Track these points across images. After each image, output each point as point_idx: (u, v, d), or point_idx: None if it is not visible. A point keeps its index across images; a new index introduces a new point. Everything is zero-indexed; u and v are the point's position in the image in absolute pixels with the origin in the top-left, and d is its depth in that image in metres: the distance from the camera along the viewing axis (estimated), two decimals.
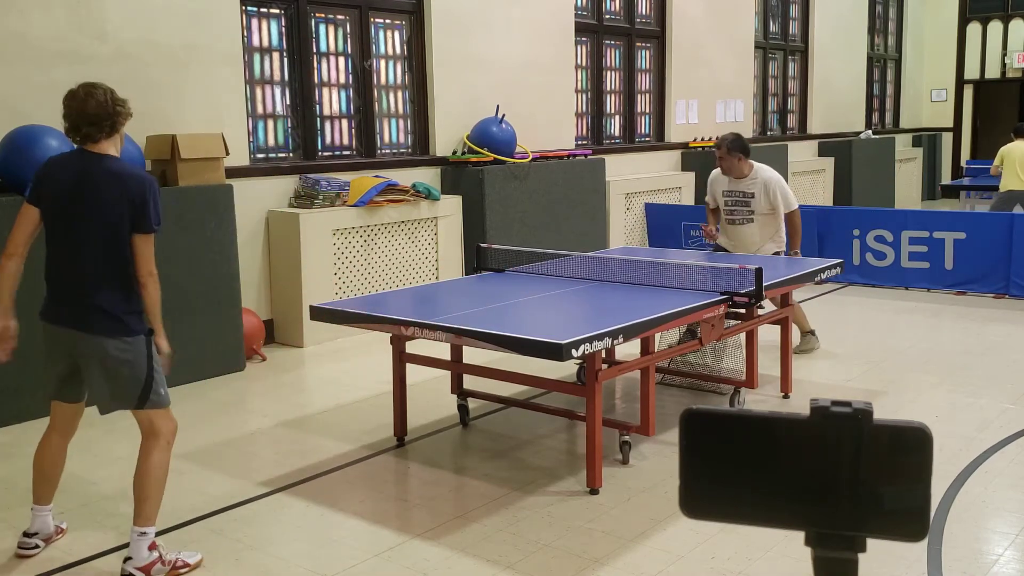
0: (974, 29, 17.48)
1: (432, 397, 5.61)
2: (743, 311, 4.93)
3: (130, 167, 3.54)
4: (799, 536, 1.15)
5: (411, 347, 4.93)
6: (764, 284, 4.73)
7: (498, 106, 8.64)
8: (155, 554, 3.44)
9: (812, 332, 6.74)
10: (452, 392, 5.22)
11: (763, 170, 6.31)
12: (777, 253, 6.33)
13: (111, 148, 3.48)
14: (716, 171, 6.45)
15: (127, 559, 3.46)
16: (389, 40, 8.29)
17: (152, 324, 3.47)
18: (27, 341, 5.45)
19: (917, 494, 1.10)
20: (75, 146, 3.51)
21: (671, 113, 11.50)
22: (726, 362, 5.70)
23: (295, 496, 4.27)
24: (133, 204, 3.38)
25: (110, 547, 3.79)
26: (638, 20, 11.03)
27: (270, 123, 7.51)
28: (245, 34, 7.17)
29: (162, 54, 6.49)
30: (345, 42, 7.95)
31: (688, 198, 11.14)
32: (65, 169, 3.49)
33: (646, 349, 4.52)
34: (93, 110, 3.41)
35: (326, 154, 7.87)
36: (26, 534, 3.75)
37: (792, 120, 14.25)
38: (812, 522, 1.14)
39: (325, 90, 7.83)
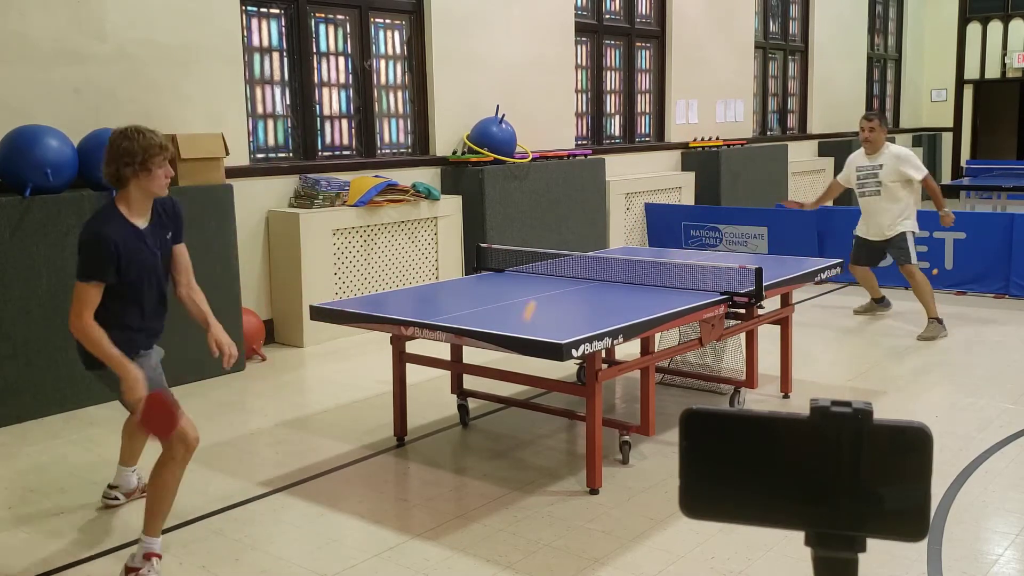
0: (974, 29, 17.48)
1: (432, 397, 5.61)
2: (743, 311, 4.93)
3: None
4: (799, 536, 1.15)
5: (411, 347, 4.93)
6: (764, 284, 4.73)
7: (498, 106, 8.64)
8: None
9: (939, 320, 7.12)
10: (452, 392, 5.22)
11: (892, 145, 7.23)
12: (906, 234, 7.11)
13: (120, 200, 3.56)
14: (857, 152, 7.35)
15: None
16: (389, 40, 8.29)
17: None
18: (27, 343, 5.46)
19: (917, 494, 1.10)
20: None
21: (671, 113, 11.50)
22: (726, 362, 5.71)
23: (295, 496, 4.27)
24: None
25: (110, 547, 3.79)
26: (638, 20, 11.03)
27: (270, 123, 7.51)
28: (245, 34, 7.17)
29: (162, 54, 6.49)
30: (345, 42, 7.95)
31: (688, 198, 11.14)
32: None
33: (646, 349, 4.52)
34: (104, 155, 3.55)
35: (326, 154, 7.87)
36: (109, 486, 4.21)
37: (792, 120, 14.25)
38: (812, 522, 1.14)
39: (325, 90, 7.83)
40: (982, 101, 17.79)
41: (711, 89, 12.02)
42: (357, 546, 3.76)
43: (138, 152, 3.46)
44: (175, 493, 3.55)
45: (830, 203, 8.69)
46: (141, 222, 3.57)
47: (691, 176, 11.23)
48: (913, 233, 7.18)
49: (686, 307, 4.44)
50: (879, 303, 7.82)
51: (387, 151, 8.31)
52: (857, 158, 7.37)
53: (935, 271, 8.48)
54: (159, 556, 3.51)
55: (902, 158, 7.10)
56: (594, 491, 4.20)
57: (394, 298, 5.27)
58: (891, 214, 7.11)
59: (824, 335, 7.21)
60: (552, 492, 4.25)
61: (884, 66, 16.89)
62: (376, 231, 7.50)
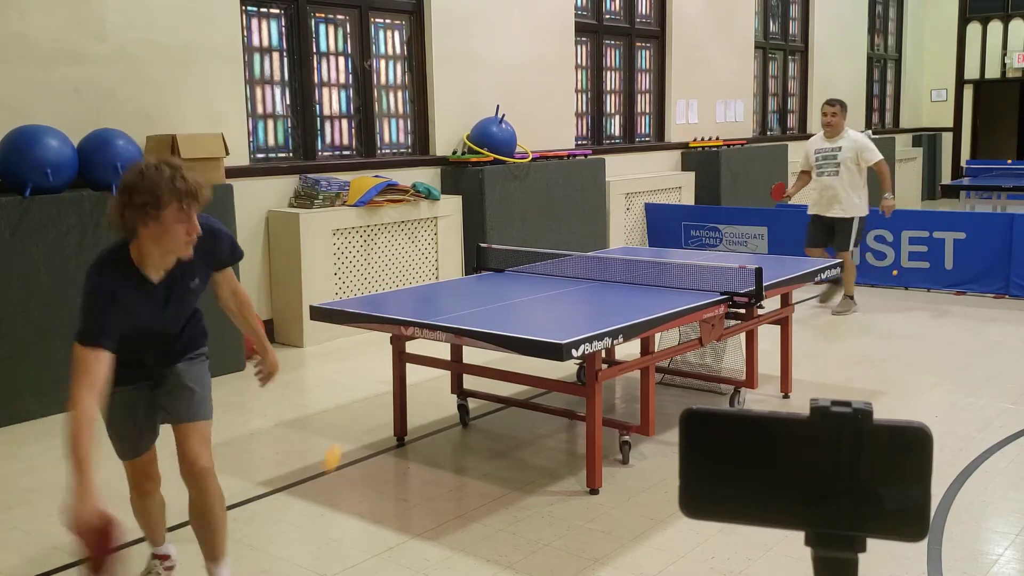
0: (974, 29, 17.48)
1: (432, 397, 5.61)
2: (743, 311, 4.93)
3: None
4: (799, 536, 1.15)
5: (411, 347, 4.92)
6: (764, 284, 4.73)
7: (498, 106, 8.64)
8: None
9: (852, 297, 7.86)
10: (452, 392, 5.22)
11: (851, 130, 7.72)
12: (855, 219, 7.61)
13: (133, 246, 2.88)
14: (815, 137, 7.87)
15: None
16: (389, 40, 8.28)
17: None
18: (27, 343, 5.46)
19: (917, 494, 1.10)
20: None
21: (671, 113, 11.50)
22: (726, 362, 5.71)
23: (295, 496, 4.27)
24: None
25: None
26: (638, 20, 11.03)
27: (270, 123, 7.51)
28: (245, 34, 7.17)
29: (162, 54, 6.49)
30: (345, 42, 7.95)
31: (688, 198, 11.14)
32: None
33: (646, 349, 4.52)
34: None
35: (326, 154, 7.87)
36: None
37: (792, 120, 14.25)
38: (812, 522, 1.14)
39: (325, 90, 7.83)
40: (982, 101, 17.79)
41: (711, 89, 12.02)
42: (357, 546, 3.76)
43: (145, 191, 2.67)
44: (147, 519, 3.49)
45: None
46: (156, 275, 2.88)
47: (691, 176, 11.23)
48: (862, 219, 7.64)
49: (686, 307, 4.43)
50: (847, 296, 7.94)
51: (387, 151, 8.31)
52: (815, 141, 7.81)
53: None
54: (163, 557, 3.52)
55: (860, 142, 7.61)
56: (594, 491, 4.20)
57: (394, 298, 5.27)
58: (846, 194, 7.55)
59: (824, 335, 7.21)
60: (552, 492, 4.25)
61: (884, 66, 16.89)
62: (376, 231, 7.50)
